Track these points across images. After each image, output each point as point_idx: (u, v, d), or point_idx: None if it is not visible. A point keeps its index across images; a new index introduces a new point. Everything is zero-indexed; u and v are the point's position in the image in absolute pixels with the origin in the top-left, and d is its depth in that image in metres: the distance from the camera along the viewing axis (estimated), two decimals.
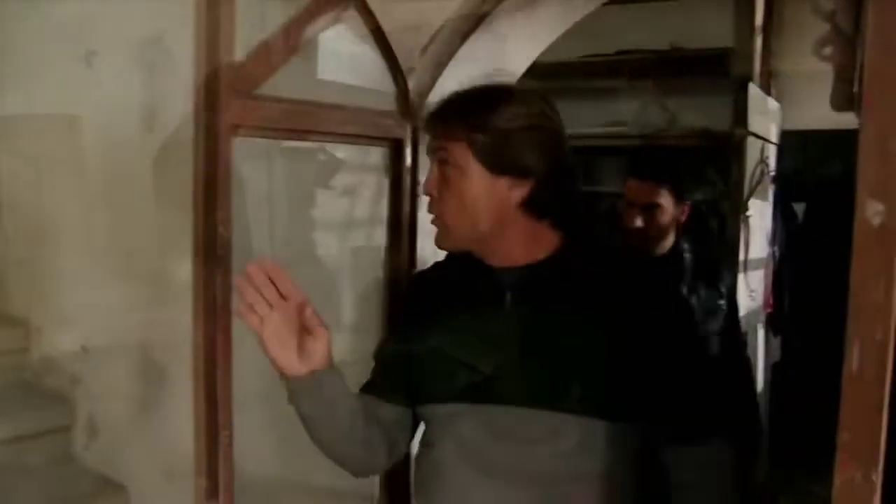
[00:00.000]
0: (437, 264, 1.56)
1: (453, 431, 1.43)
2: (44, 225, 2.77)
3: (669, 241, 2.32)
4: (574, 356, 1.37)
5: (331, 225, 1.77)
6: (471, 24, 1.64)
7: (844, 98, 1.51)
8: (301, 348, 1.30)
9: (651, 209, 2.24)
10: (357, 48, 1.64)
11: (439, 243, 1.45)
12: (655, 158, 2.48)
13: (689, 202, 2.33)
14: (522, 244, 1.41)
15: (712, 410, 1.46)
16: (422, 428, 1.56)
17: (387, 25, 1.58)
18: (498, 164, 1.35)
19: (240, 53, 1.39)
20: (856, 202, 0.74)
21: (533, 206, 1.39)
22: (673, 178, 2.27)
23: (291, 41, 1.44)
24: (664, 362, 1.39)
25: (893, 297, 0.72)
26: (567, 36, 4.06)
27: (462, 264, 1.47)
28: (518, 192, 1.37)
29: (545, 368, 1.37)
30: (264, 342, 1.27)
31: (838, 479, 0.78)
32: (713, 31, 3.71)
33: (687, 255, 2.32)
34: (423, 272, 1.61)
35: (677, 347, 1.42)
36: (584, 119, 3.99)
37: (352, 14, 1.53)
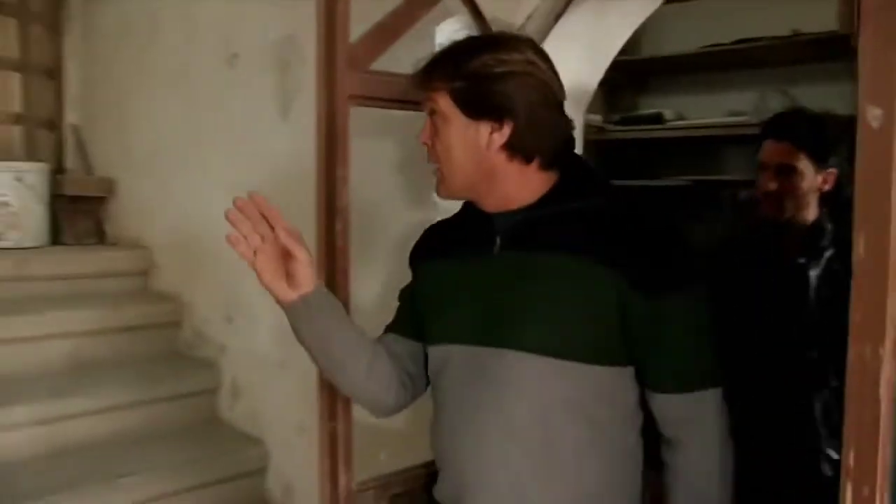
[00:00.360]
0: (454, 214, 1.56)
1: (445, 373, 1.45)
2: (193, 212, 3.09)
3: (811, 211, 2.09)
4: (545, 299, 1.35)
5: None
6: (563, 4, 1.78)
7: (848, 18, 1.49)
8: (288, 275, 1.36)
9: (786, 172, 2.06)
10: (458, 29, 1.80)
11: (437, 192, 1.46)
12: (794, 118, 2.25)
13: (832, 170, 2.08)
14: (513, 189, 1.40)
15: (704, 366, 1.39)
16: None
17: (485, 6, 1.74)
18: (476, 108, 1.36)
19: (354, 37, 1.58)
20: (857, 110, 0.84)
21: (515, 150, 1.37)
22: (812, 141, 2.07)
23: (398, 24, 1.63)
24: (646, 316, 1.33)
25: (893, 190, 0.82)
26: (686, 27, 4.11)
27: (467, 212, 1.50)
28: (498, 136, 1.36)
29: (519, 311, 1.37)
30: (258, 272, 1.34)
31: (852, 353, 0.88)
32: (834, 15, 3.67)
33: (829, 228, 2.10)
34: (440, 221, 1.61)
35: (660, 295, 1.33)
36: (704, 109, 4.01)
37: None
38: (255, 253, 1.33)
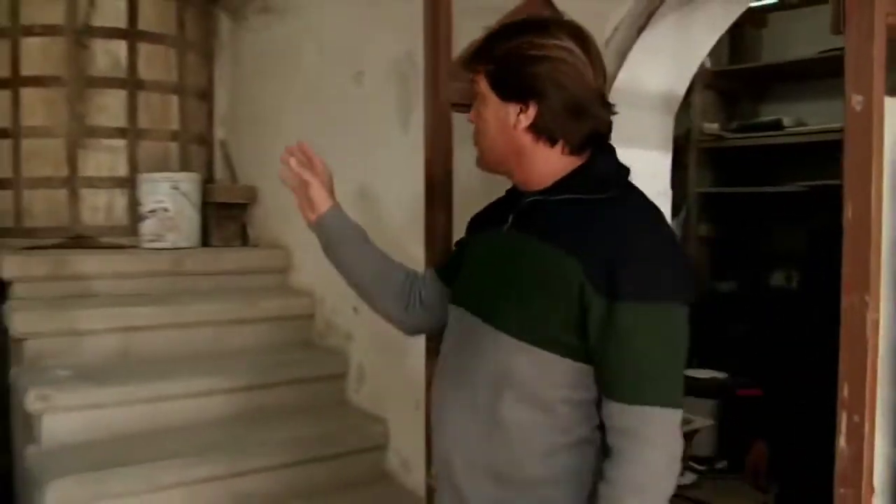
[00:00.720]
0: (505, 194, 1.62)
1: (448, 333, 1.57)
2: None
3: None
4: (520, 282, 1.40)
5: None
6: (644, 19, 1.97)
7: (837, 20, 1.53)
8: (308, 201, 1.65)
9: None
10: None
11: (477, 165, 1.54)
12: None
13: None
14: (538, 170, 1.44)
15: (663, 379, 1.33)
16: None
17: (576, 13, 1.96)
18: (505, 90, 1.42)
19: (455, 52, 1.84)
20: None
21: (540, 132, 1.41)
22: None
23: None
24: (601, 317, 1.31)
25: (873, 164, 1.00)
26: (805, 33, 4.14)
27: (510, 190, 1.56)
28: (524, 117, 1.41)
29: (500, 289, 1.43)
30: (300, 201, 1.65)
31: (844, 301, 1.05)
32: None
33: None
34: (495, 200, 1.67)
35: (615, 304, 1.30)
36: (824, 115, 4.03)
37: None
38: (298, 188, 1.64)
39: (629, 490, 1.32)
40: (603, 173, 1.43)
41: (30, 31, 3.84)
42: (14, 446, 3.04)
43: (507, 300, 1.41)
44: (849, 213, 1.02)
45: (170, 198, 3.68)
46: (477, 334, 1.45)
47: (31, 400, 2.58)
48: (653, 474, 1.33)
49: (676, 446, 1.35)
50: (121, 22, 3.89)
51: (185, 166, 4.03)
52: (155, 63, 3.99)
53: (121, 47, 3.89)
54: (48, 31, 3.82)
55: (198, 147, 4.19)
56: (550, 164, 1.44)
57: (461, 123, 1.84)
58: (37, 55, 3.82)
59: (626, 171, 1.47)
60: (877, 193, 0.98)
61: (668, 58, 2.11)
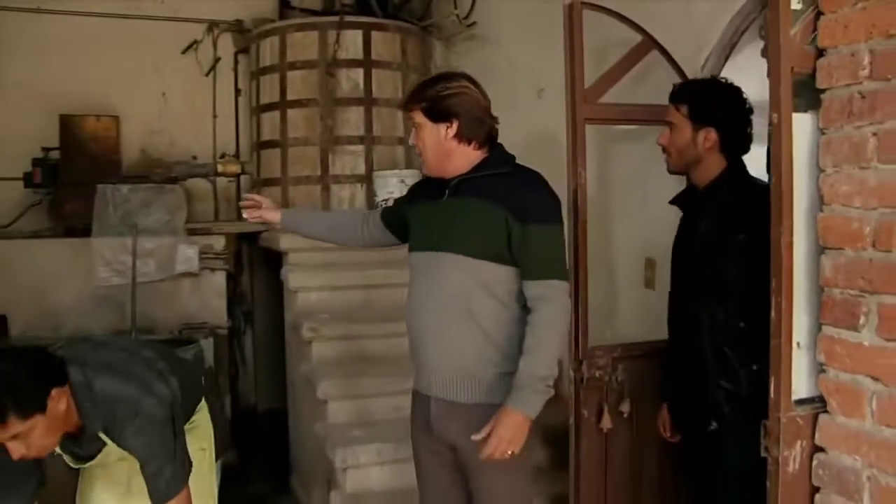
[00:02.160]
0: (424, 178, 2.49)
1: (414, 268, 2.39)
2: None
3: None
4: (466, 224, 2.24)
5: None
6: (729, 50, 2.67)
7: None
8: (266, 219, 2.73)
9: None
10: (660, 72, 2.79)
11: (424, 171, 2.40)
12: None
13: None
14: (461, 163, 2.30)
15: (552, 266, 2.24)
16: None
17: (676, 54, 2.70)
18: (436, 116, 2.26)
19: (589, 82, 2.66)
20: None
21: (461, 138, 2.26)
22: None
23: (616, 73, 2.68)
24: (520, 234, 2.20)
25: (783, 149, 1.74)
26: None
27: (434, 179, 2.38)
28: (450, 130, 2.26)
29: (451, 231, 2.26)
30: (261, 219, 2.71)
31: (773, 233, 1.79)
32: None
33: None
34: (421, 180, 2.60)
35: (525, 226, 2.20)
36: None
37: (653, 56, 2.68)
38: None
39: (543, 326, 2.22)
40: (502, 158, 2.36)
41: (293, 66, 5.07)
42: (287, 365, 4.21)
43: (460, 236, 2.27)
44: (775, 180, 1.76)
45: (398, 189, 4.63)
46: (442, 262, 2.30)
47: (305, 331, 3.70)
48: (556, 318, 2.25)
49: (568, 303, 2.32)
50: (359, 54, 5.03)
51: (409, 164, 5.04)
52: (384, 84, 5.09)
53: (359, 74, 5.03)
54: (306, 65, 5.04)
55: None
56: (469, 157, 2.33)
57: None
58: (298, 84, 5.04)
59: (513, 156, 2.38)
60: (787, 168, 1.71)
61: (755, 76, 2.81)
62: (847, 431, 1.69)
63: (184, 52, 5.80)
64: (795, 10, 1.74)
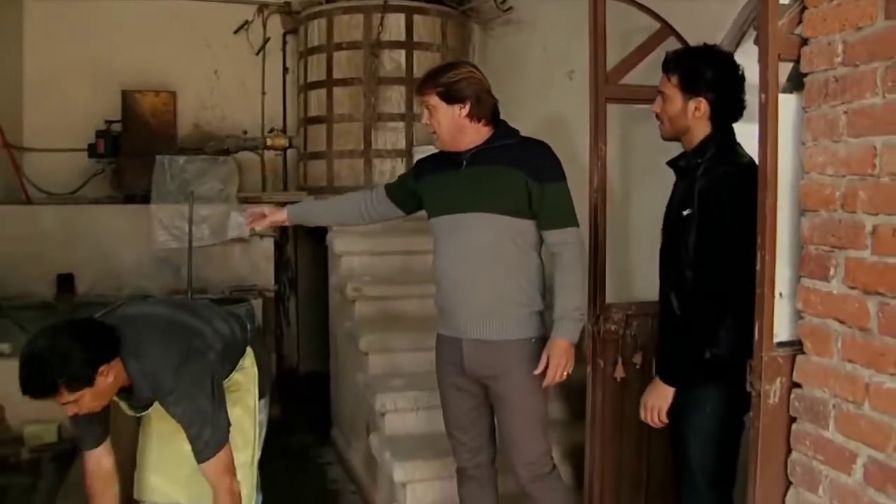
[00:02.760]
0: (433, 155, 2.89)
1: (441, 229, 2.75)
2: None
3: None
4: (487, 187, 2.63)
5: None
6: (740, 36, 2.92)
7: None
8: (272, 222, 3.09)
9: None
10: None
11: (438, 146, 2.74)
12: None
13: None
14: (473, 137, 2.67)
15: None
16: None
17: (692, 40, 2.96)
18: (450, 98, 2.62)
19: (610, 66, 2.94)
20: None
21: (472, 116, 2.63)
22: None
23: (635, 58, 2.96)
24: (539, 191, 2.61)
25: (769, 126, 2.02)
26: None
27: (443, 154, 2.77)
28: (463, 110, 2.63)
29: (475, 193, 2.63)
30: (270, 224, 3.08)
31: (760, 197, 2.07)
32: None
33: None
34: (424, 157, 3.00)
35: (542, 184, 2.61)
36: None
37: (670, 41, 2.95)
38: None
39: (569, 266, 2.67)
40: (507, 131, 2.76)
41: (339, 47, 5.39)
42: (331, 323, 4.56)
43: (486, 197, 2.66)
44: (762, 152, 2.04)
45: None
46: (470, 221, 2.67)
47: (349, 290, 4.04)
48: (577, 258, 2.69)
49: (584, 243, 2.77)
50: (401, 36, 5.34)
51: None
52: (424, 65, 5.33)
53: (401, 55, 5.33)
54: (352, 45, 5.36)
55: None
56: (480, 132, 2.71)
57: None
58: (344, 63, 5.36)
59: (516, 130, 2.76)
60: (772, 141, 1.99)
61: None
62: (818, 368, 1.97)
63: (235, 32, 6.16)
64: (783, 4, 2.01)
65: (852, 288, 1.86)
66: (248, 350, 2.83)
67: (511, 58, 5.10)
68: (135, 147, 5.43)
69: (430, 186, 2.84)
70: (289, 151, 6.09)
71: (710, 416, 2.42)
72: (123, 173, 5.48)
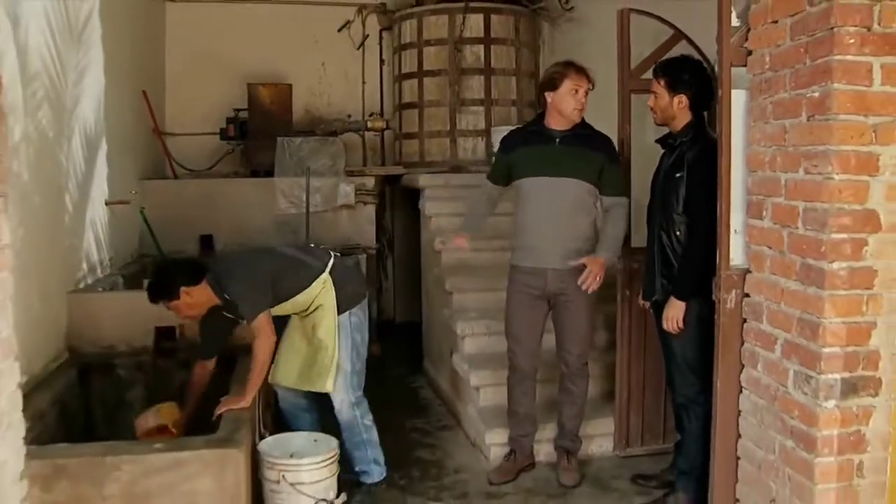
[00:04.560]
0: (522, 128, 4.02)
1: (531, 190, 3.70)
2: None
3: None
4: (576, 160, 3.62)
5: None
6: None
7: None
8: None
9: None
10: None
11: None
12: None
13: None
14: (562, 120, 3.69)
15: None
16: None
17: (703, 44, 3.79)
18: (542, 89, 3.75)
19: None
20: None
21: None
22: None
23: (653, 58, 3.81)
24: (607, 170, 3.67)
25: (724, 113, 2.88)
26: None
27: (529, 131, 3.81)
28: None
29: (566, 164, 3.62)
30: (466, 249, 4.15)
31: (721, 165, 2.94)
32: None
33: None
34: (511, 132, 4.07)
35: (610, 165, 3.69)
36: None
37: (682, 44, 3.79)
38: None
39: (618, 218, 3.75)
40: (585, 123, 3.75)
41: (428, 43, 6.34)
42: (423, 274, 5.56)
43: (575, 169, 3.69)
44: (721, 131, 2.90)
45: None
46: (560, 184, 3.70)
47: (437, 244, 5.01)
48: (623, 216, 3.78)
49: (629, 205, 3.82)
50: (480, 33, 6.26)
51: (521, 122, 6.18)
52: (501, 57, 6.30)
53: (480, 49, 6.26)
54: (438, 42, 6.30)
55: (529, 109, 6.40)
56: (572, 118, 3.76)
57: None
58: (432, 57, 6.31)
59: (589, 124, 3.78)
60: (727, 124, 2.84)
61: None
62: (757, 280, 2.83)
63: (339, 30, 7.18)
64: (735, 26, 2.86)
65: (775, 223, 2.72)
66: (326, 275, 3.59)
67: (574, 51, 5.95)
68: (258, 130, 6.44)
69: (525, 155, 3.77)
70: (386, 132, 7.04)
71: (691, 319, 3.30)
72: (250, 153, 6.53)
